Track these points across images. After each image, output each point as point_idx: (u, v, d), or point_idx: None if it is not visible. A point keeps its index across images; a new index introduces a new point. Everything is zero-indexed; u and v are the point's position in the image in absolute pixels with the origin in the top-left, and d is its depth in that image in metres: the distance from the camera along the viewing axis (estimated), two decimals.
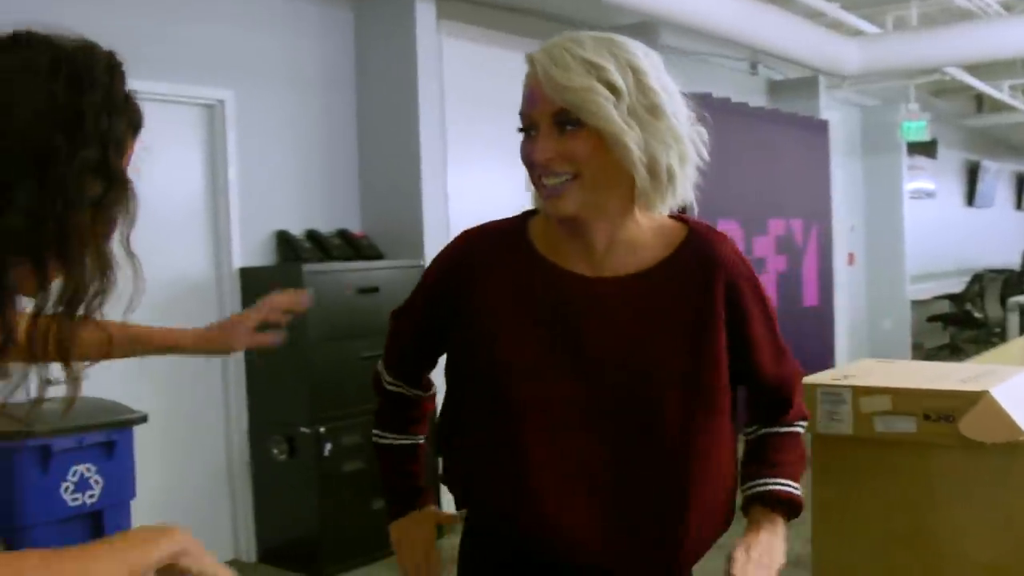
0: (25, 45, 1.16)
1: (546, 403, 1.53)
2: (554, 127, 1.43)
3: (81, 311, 1.11)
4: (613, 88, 1.40)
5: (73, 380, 1.13)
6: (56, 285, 1.10)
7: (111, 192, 1.12)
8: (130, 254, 1.15)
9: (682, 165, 1.47)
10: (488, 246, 1.61)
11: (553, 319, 1.54)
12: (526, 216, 1.64)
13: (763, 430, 1.67)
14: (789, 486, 1.60)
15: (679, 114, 1.46)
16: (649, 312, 1.52)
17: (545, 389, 1.53)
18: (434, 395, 1.83)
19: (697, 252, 1.54)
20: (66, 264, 1.09)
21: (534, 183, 1.50)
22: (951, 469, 1.96)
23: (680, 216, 1.57)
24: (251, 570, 4.81)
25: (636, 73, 1.42)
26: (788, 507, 1.59)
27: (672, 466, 1.53)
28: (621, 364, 1.52)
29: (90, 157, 1.10)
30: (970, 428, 1.89)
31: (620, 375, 1.52)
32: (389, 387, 1.79)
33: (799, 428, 1.68)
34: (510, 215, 1.66)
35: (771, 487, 1.60)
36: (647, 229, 1.54)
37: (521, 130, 1.50)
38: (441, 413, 1.71)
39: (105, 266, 1.12)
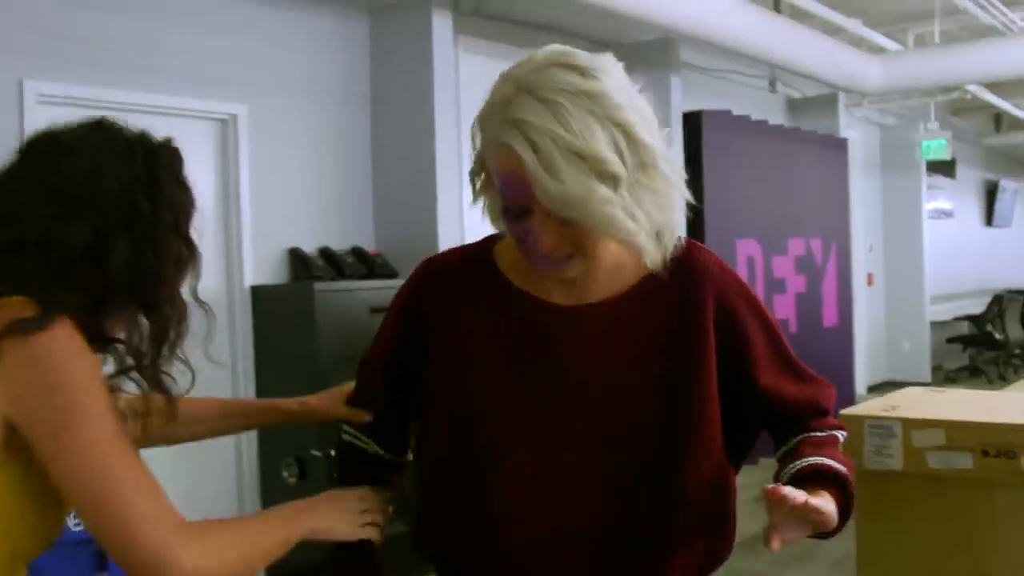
0: (104, 129, 1.36)
1: (523, 448, 1.40)
2: (550, 218, 1.27)
3: (166, 350, 1.34)
4: (613, 179, 1.22)
5: (170, 406, 1.37)
6: (142, 329, 1.33)
7: (186, 250, 1.36)
8: (201, 302, 1.41)
9: (677, 211, 1.33)
10: (453, 276, 1.49)
11: (530, 354, 1.41)
12: (490, 241, 1.51)
13: (794, 439, 1.46)
14: (830, 459, 1.37)
15: (667, 155, 1.29)
16: (631, 336, 1.40)
17: (522, 432, 1.40)
18: (405, 465, 1.64)
19: (677, 266, 1.39)
20: (153, 310, 1.32)
21: (523, 253, 1.36)
22: (1012, 508, 1.82)
23: None
24: None
25: (625, 132, 1.24)
26: (834, 482, 1.34)
27: (658, 507, 1.40)
28: (604, 397, 1.39)
29: (168, 220, 1.33)
30: None
31: (602, 409, 1.39)
32: (345, 437, 1.62)
33: (838, 434, 1.46)
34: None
35: (805, 463, 1.37)
36: (624, 251, 1.39)
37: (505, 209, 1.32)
38: (414, 464, 1.56)
39: (183, 312, 1.37)
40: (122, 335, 1.33)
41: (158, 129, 1.41)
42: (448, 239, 5.16)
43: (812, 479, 1.34)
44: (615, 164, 1.22)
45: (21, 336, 1.16)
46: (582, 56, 1.29)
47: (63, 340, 1.18)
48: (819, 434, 1.46)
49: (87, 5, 4.23)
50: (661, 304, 1.40)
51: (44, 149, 1.32)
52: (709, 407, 1.41)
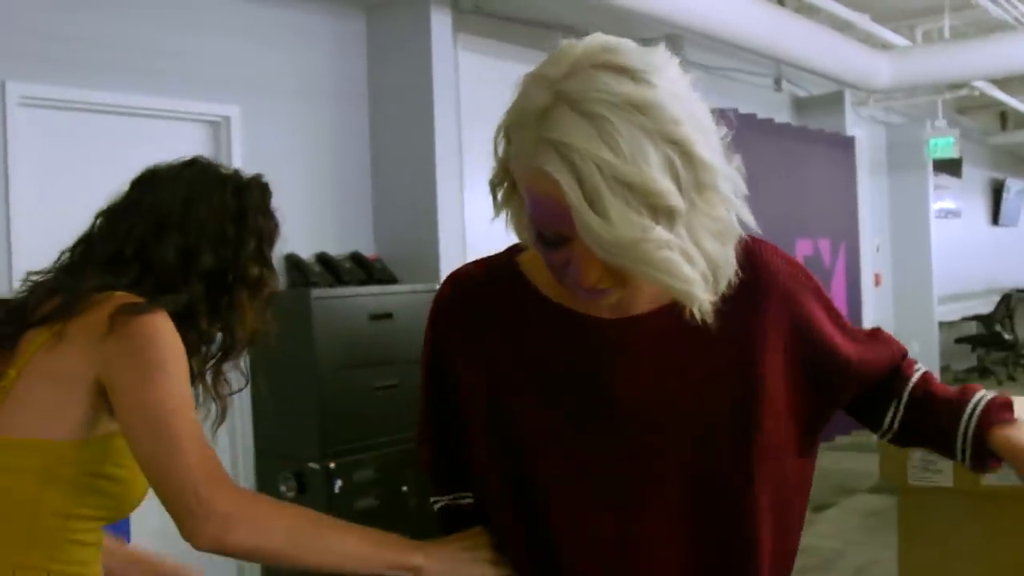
0: (198, 165, 1.56)
1: (579, 482, 1.25)
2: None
3: (230, 362, 1.55)
4: (670, 214, 1.04)
5: (222, 410, 1.57)
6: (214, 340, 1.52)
7: (264, 275, 1.55)
8: (271, 324, 1.60)
9: (733, 239, 1.14)
10: (481, 294, 1.31)
11: (576, 376, 1.25)
12: (514, 251, 1.33)
13: (903, 398, 1.41)
14: (987, 395, 1.38)
15: (727, 170, 1.11)
16: (689, 348, 1.23)
17: (576, 464, 1.25)
18: None
19: (737, 267, 1.19)
20: (228, 325, 1.51)
21: (558, 279, 1.19)
22: None
23: None
24: None
25: (683, 152, 1.04)
26: (1010, 408, 1.36)
27: (736, 535, 1.27)
28: (664, 418, 1.24)
29: (252, 246, 1.52)
30: None
31: (664, 431, 1.24)
32: (437, 505, 1.44)
33: (925, 369, 1.44)
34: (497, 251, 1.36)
35: (979, 404, 1.37)
36: None
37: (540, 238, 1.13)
38: None
39: (255, 329, 1.55)
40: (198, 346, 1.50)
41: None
42: (449, 242, 5.02)
43: (997, 413, 1.35)
44: (672, 196, 1.03)
45: (130, 314, 1.36)
46: (631, 53, 1.07)
47: (162, 322, 1.38)
48: (916, 378, 1.41)
49: (71, 4, 4.08)
50: (721, 309, 1.18)
51: (144, 180, 1.54)
52: (780, 419, 1.28)
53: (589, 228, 1.02)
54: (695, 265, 1.06)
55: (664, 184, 1.02)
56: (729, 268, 1.14)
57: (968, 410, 1.37)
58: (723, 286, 1.14)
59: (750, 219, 1.15)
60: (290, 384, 4.45)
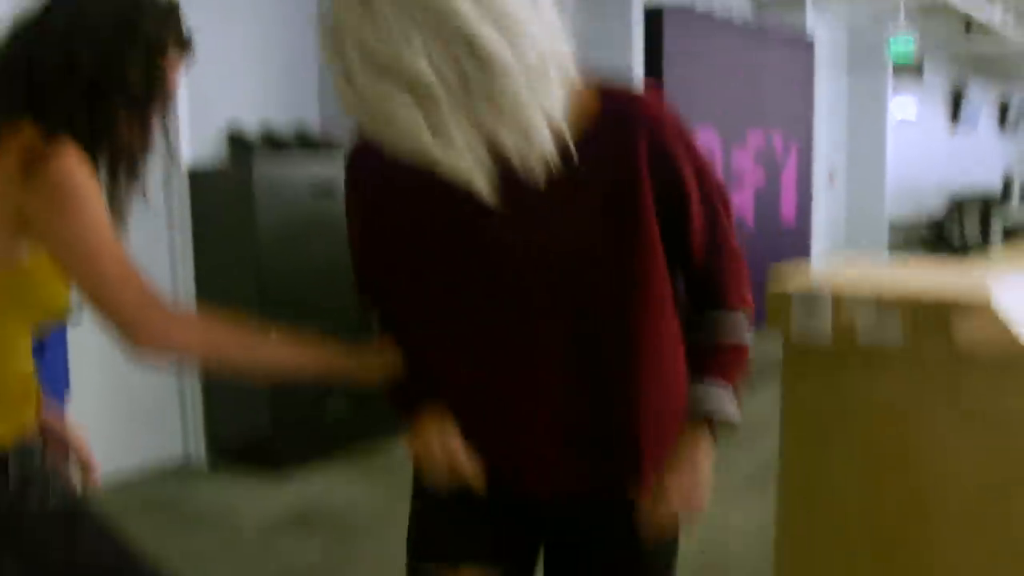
0: None
1: (466, 322, 1.36)
2: None
3: (126, 172, 1.53)
4: (430, 98, 1.12)
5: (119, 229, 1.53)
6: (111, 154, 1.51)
7: (151, 85, 1.49)
8: (167, 134, 1.56)
9: (542, 113, 1.17)
10: (377, 155, 1.34)
11: (461, 224, 1.32)
12: None
13: (699, 315, 1.45)
14: (717, 398, 1.42)
15: (531, 68, 1.14)
16: (567, 196, 1.28)
17: (462, 305, 1.36)
18: None
19: (613, 117, 1.29)
20: (111, 135, 1.48)
21: None
22: (942, 384, 1.74)
23: (597, 83, 1.31)
24: (202, 468, 4.64)
25: (464, 43, 1.11)
26: (713, 424, 1.43)
27: (614, 367, 1.36)
28: (543, 261, 1.31)
29: (138, 57, 1.46)
30: (965, 339, 1.68)
31: (547, 276, 1.32)
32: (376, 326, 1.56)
33: (739, 314, 1.44)
34: None
35: (698, 399, 1.43)
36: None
37: None
38: None
39: (145, 140, 1.52)
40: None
41: None
42: None
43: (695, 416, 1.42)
44: (425, 76, 1.10)
45: (41, 159, 1.39)
46: None
47: (73, 161, 1.40)
48: (718, 313, 1.43)
49: None
50: (596, 159, 1.27)
51: None
52: (652, 261, 1.34)
53: (341, 94, 1.15)
54: (453, 147, 1.14)
55: (419, 67, 1.10)
56: (534, 156, 1.18)
57: (700, 392, 1.43)
58: (536, 172, 1.20)
59: (556, 114, 1.18)
60: (231, 257, 4.46)
